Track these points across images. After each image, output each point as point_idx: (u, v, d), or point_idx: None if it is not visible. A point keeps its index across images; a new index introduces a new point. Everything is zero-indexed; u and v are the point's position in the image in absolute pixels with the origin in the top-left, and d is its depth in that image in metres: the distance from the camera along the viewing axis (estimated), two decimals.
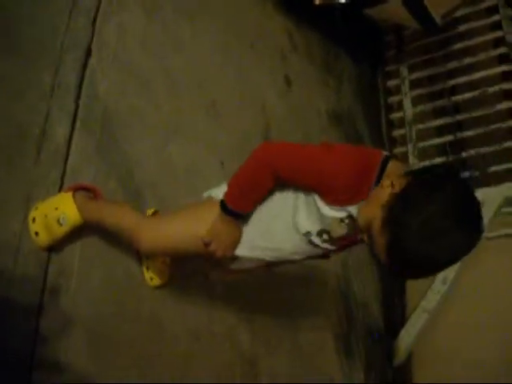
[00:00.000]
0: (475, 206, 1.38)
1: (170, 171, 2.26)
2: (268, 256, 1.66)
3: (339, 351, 3.10)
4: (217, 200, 1.59)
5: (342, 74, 3.96)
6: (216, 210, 1.58)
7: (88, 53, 2.05)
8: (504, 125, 3.91)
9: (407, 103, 4.34)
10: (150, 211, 2.00)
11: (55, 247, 1.75)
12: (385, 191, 1.40)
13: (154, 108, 2.27)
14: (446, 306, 3.66)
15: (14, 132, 1.72)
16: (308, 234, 1.55)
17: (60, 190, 1.81)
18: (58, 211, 1.70)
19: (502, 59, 4.09)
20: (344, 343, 3.17)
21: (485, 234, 3.47)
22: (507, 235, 3.70)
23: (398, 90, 4.44)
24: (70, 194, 1.74)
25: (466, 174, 3.82)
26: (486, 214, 3.68)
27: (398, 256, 1.38)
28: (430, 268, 1.42)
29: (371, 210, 1.42)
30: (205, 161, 2.45)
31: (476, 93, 4.08)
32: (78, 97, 1.98)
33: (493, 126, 3.92)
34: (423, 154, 4.13)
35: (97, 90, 2.04)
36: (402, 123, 4.35)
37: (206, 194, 1.69)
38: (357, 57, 4.19)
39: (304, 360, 2.78)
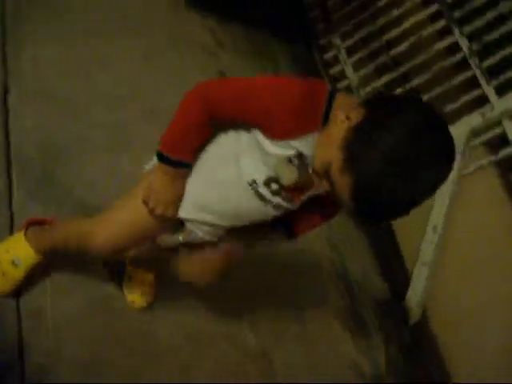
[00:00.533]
0: (441, 131, 1.24)
1: (128, 184, 2.17)
2: (217, 219, 1.50)
3: (352, 331, 3.01)
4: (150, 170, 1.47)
5: (277, 58, 3.92)
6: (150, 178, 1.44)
7: (5, 90, 1.96)
8: (446, 62, 3.90)
9: (349, 71, 4.31)
10: None
11: (22, 289, 1.65)
12: (340, 127, 1.24)
13: (92, 128, 2.20)
14: (443, 253, 3.60)
15: None
16: (254, 183, 1.39)
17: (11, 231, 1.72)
18: (10, 253, 1.61)
19: (425, 2, 4.10)
20: (355, 321, 3.09)
21: (460, 172, 3.52)
22: (481, 167, 3.66)
23: (336, 60, 4.41)
24: (20, 233, 1.65)
25: None
26: (457, 151, 3.64)
27: (364, 196, 1.22)
28: (400, 204, 1.24)
29: (327, 150, 1.26)
30: None
31: (412, 40, 4.06)
32: (7, 137, 1.88)
33: (435, 67, 3.90)
34: None
35: (24, 125, 1.96)
36: (349, 91, 4.31)
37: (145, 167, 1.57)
38: (287, 38, 4.15)
39: (318, 346, 2.69)
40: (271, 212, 1.47)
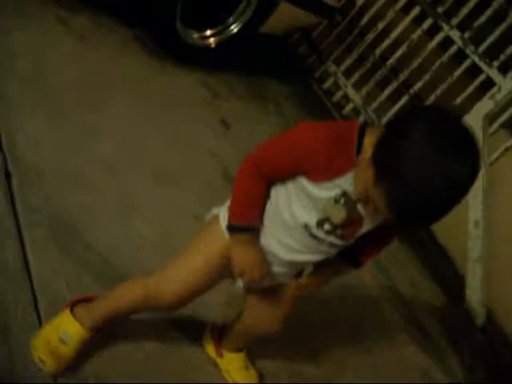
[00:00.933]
0: (455, 124, 1.26)
1: (146, 246, 2.16)
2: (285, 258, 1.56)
3: (418, 342, 2.89)
4: (213, 218, 1.58)
5: (277, 97, 3.93)
6: (214, 227, 1.56)
7: (7, 174, 1.98)
8: (444, 58, 3.88)
9: (351, 93, 4.30)
10: None
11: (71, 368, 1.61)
12: (368, 149, 1.32)
13: (101, 196, 2.19)
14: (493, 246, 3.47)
15: None
16: (307, 226, 1.47)
17: (37, 309, 1.69)
18: (58, 331, 1.58)
19: (406, 7, 4.13)
20: (418, 332, 2.96)
21: (487, 161, 3.42)
22: (506, 149, 3.57)
23: (336, 86, 4.41)
24: (67, 311, 1.62)
25: None
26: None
27: (399, 203, 1.26)
28: (436, 202, 1.25)
29: (362, 175, 1.33)
30: (176, 222, 2.34)
31: (404, 47, 4.06)
32: (17, 220, 1.88)
33: (435, 66, 3.89)
34: None
35: (31, 205, 1.95)
36: (356, 112, 4.29)
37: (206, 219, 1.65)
38: (283, 77, 4.18)
39: (385, 364, 2.58)
40: (327, 250, 1.53)
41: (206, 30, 3.40)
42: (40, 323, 1.66)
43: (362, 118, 4.21)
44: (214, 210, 1.61)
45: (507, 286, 3.41)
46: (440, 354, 2.92)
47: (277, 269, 1.59)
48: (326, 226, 1.45)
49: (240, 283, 1.62)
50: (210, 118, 3.16)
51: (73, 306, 1.64)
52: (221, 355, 1.92)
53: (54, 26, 2.83)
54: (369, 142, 1.33)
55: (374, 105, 4.17)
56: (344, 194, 1.39)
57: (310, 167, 1.39)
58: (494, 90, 3.58)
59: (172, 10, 3.10)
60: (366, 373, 2.43)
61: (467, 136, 1.25)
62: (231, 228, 1.51)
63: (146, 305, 1.60)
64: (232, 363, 1.92)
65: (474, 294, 3.40)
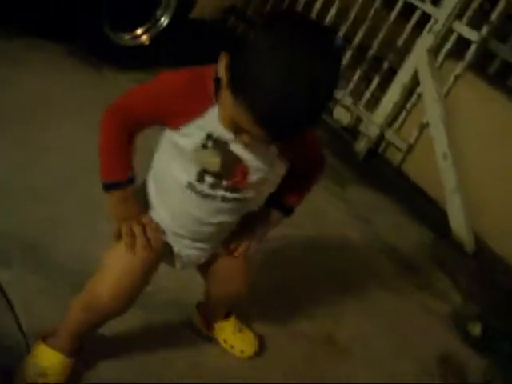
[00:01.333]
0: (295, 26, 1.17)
1: None
2: (190, 233, 1.47)
3: (414, 282, 2.90)
4: None
5: None
6: None
7: None
8: (376, 5, 3.90)
9: None
10: None
11: None
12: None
13: (60, 206, 2.18)
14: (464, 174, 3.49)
15: None
16: (190, 185, 1.38)
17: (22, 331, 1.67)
18: (39, 365, 1.51)
19: None
20: (412, 272, 2.97)
21: (440, 93, 3.44)
22: (457, 78, 3.59)
23: None
24: (40, 344, 1.56)
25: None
26: (426, 78, 3.59)
27: (262, 111, 1.15)
28: (295, 99, 1.14)
29: (223, 105, 1.24)
30: None
31: (337, 3, 4.08)
32: None
33: (370, 16, 3.91)
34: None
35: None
36: None
37: None
38: None
39: (384, 310, 2.58)
40: (226, 207, 1.43)
41: (136, 29, 3.38)
42: (26, 345, 1.63)
43: None
44: None
45: (493, 211, 3.43)
46: (436, 287, 2.93)
47: (188, 251, 1.52)
48: (208, 179, 1.36)
49: (177, 266, 1.55)
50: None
51: (46, 337, 1.57)
52: (212, 329, 1.90)
53: None
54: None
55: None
56: (209, 136, 1.30)
57: (169, 112, 1.31)
58: (431, 22, 3.61)
59: (98, 18, 3.09)
60: (363, 320, 2.43)
61: (314, 31, 1.16)
62: (105, 187, 1.40)
63: (91, 316, 1.50)
64: (225, 330, 1.90)
65: (458, 223, 3.42)
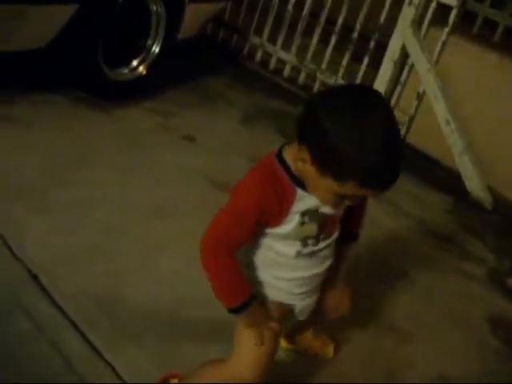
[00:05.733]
0: (357, 93, 1.31)
1: (181, 280, 2.28)
2: (307, 286, 1.60)
3: (441, 247, 3.05)
4: None
5: (220, 90, 4.03)
6: None
7: (34, 277, 2.08)
8: None
9: (283, 55, 4.42)
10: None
11: None
12: (305, 167, 1.34)
13: (119, 256, 2.30)
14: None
15: None
16: (298, 253, 1.50)
17: None
18: None
19: None
20: (437, 238, 3.12)
21: (432, 61, 3.55)
22: (443, 43, 3.71)
23: (267, 55, 4.52)
24: None
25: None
26: (414, 50, 3.71)
27: (370, 179, 1.29)
28: (384, 158, 1.27)
29: (326, 191, 1.36)
30: (194, 248, 2.45)
31: None
32: (62, 311, 1.99)
33: None
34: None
35: (68, 292, 2.06)
36: (297, 71, 4.41)
37: None
38: (215, 69, 4.28)
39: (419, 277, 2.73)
40: (326, 252, 1.56)
41: (131, 62, 3.49)
42: None
43: (302, 75, 4.34)
44: None
45: (503, 163, 3.58)
46: (468, 250, 3.09)
47: (308, 300, 1.63)
48: (310, 241, 1.49)
49: (301, 317, 1.67)
50: (173, 139, 3.26)
51: None
52: (293, 342, 2.06)
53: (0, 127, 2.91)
54: (291, 158, 1.38)
55: (309, 56, 4.29)
56: (303, 213, 1.42)
57: (265, 221, 1.42)
58: None
59: (96, 62, 3.18)
60: (411, 298, 2.58)
61: (367, 92, 1.31)
62: (234, 311, 1.50)
63: None
64: (305, 340, 2.06)
65: (472, 183, 3.57)
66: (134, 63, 3.49)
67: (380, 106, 1.29)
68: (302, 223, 1.43)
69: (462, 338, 2.45)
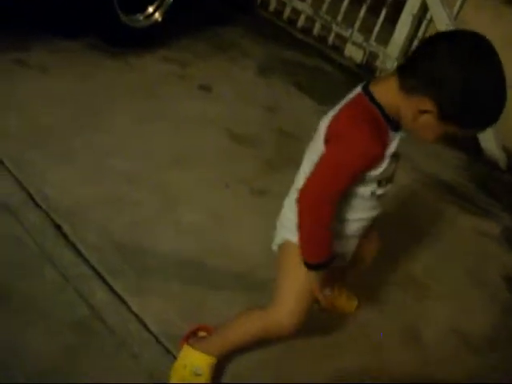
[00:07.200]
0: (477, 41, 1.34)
1: (200, 231, 2.29)
2: (361, 230, 1.64)
3: (458, 204, 3.06)
4: (291, 241, 1.57)
5: (235, 40, 3.96)
6: (294, 250, 1.54)
7: (58, 228, 2.08)
8: None
9: (298, 4, 4.33)
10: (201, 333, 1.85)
11: None
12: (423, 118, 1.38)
13: (140, 206, 2.31)
14: None
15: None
16: (372, 193, 1.53)
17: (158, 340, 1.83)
18: (188, 367, 1.68)
19: None
20: (453, 195, 3.12)
21: (452, 17, 3.49)
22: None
23: (282, 4, 4.43)
24: (186, 347, 1.71)
25: None
26: (435, 4, 3.64)
27: (479, 119, 1.37)
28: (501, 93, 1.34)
29: (433, 131, 1.40)
30: (213, 198, 2.50)
31: None
32: (86, 260, 2.00)
33: None
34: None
35: (90, 241, 2.07)
36: (311, 21, 4.33)
37: (278, 243, 1.65)
38: (230, 19, 4.20)
39: (442, 236, 2.74)
40: (383, 200, 1.60)
41: (147, 8, 3.41)
42: (167, 351, 1.80)
43: (317, 26, 4.26)
44: (278, 236, 1.64)
45: None
46: (483, 208, 3.12)
47: (355, 242, 1.66)
48: (384, 182, 1.53)
49: (346, 260, 1.70)
50: (189, 89, 3.22)
51: (188, 341, 1.73)
52: None
53: (14, 70, 2.85)
54: (384, 96, 1.40)
55: (325, 7, 4.21)
56: (392, 155, 1.45)
57: (372, 166, 1.43)
58: None
59: (112, 8, 3.11)
60: (431, 254, 2.61)
61: (482, 41, 1.33)
62: (315, 267, 1.51)
63: (267, 336, 1.67)
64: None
65: (487, 142, 3.55)
66: (150, 10, 3.42)
67: (495, 53, 1.32)
68: (390, 163, 1.46)
69: (477, 295, 2.49)
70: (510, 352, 2.27)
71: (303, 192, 1.45)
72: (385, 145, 1.42)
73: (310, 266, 1.51)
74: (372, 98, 1.41)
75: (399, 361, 2.07)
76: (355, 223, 1.58)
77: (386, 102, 1.41)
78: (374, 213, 1.60)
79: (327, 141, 1.45)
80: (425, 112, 1.35)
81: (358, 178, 1.46)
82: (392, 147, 1.44)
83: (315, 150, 1.49)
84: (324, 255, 1.50)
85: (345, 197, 1.50)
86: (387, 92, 1.40)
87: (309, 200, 1.45)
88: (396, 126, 1.44)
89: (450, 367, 2.12)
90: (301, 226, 1.47)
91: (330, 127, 1.44)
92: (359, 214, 1.57)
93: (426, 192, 3.08)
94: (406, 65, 1.40)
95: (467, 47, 1.31)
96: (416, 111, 1.36)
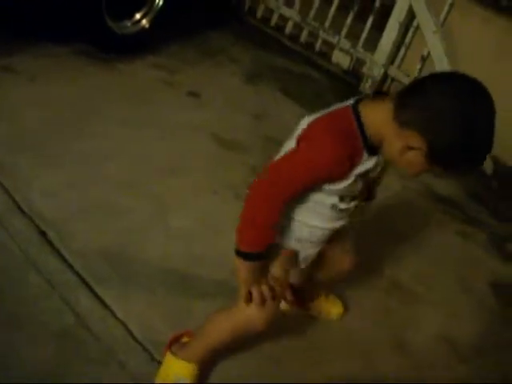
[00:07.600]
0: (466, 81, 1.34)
1: (188, 236, 2.29)
2: (322, 238, 1.63)
3: (452, 215, 3.07)
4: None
5: (224, 46, 3.96)
6: None
7: (43, 234, 2.07)
8: None
9: (285, 11, 4.32)
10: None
11: None
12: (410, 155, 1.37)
13: (130, 213, 2.30)
14: None
15: None
16: (333, 205, 1.52)
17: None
18: (171, 376, 1.68)
19: None
20: (450, 206, 3.13)
21: (438, 24, 3.49)
22: (451, 5, 3.65)
23: (269, 11, 4.43)
24: (168, 354, 1.71)
25: None
26: (422, 12, 3.66)
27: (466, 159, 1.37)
28: (480, 142, 1.35)
29: (417, 167, 1.40)
30: (201, 203, 2.50)
31: None
32: (71, 267, 1.98)
33: None
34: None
35: (74, 248, 2.05)
36: (299, 29, 4.33)
37: None
38: (218, 25, 4.19)
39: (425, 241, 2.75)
40: (348, 213, 1.59)
41: (134, 15, 3.41)
42: (152, 358, 1.79)
43: (305, 33, 4.26)
44: None
45: (506, 130, 3.55)
46: (469, 214, 3.12)
47: (314, 250, 1.64)
48: (347, 198, 1.52)
49: (302, 265, 1.67)
50: (178, 95, 3.21)
51: (169, 349, 1.72)
52: (305, 306, 2.09)
53: (1, 77, 2.84)
54: (369, 117, 1.39)
55: (312, 14, 4.21)
56: (359, 175, 1.44)
57: (333, 178, 1.43)
58: None
59: (99, 14, 3.10)
60: (418, 260, 2.61)
61: (478, 85, 1.33)
62: (247, 256, 1.48)
63: (242, 334, 1.64)
64: (319, 302, 2.10)
65: None
66: (137, 16, 3.41)
67: (488, 95, 1.33)
68: (354, 182, 1.45)
69: (465, 301, 2.49)
70: (497, 358, 2.26)
71: (260, 177, 1.46)
72: (353, 164, 1.40)
73: (239, 253, 1.47)
74: (358, 117, 1.40)
75: (387, 367, 2.06)
76: (312, 229, 1.57)
77: (372, 126, 1.39)
78: (335, 224, 1.58)
79: (299, 140, 1.44)
80: (413, 148, 1.34)
81: (316, 186, 1.46)
82: (361, 168, 1.43)
83: (288, 146, 1.49)
84: (257, 245, 1.47)
85: (302, 198, 1.50)
86: (376, 117, 1.39)
87: (263, 187, 1.44)
88: (372, 151, 1.42)
89: (437, 373, 2.11)
90: (244, 210, 1.45)
91: (306, 129, 1.44)
92: (317, 221, 1.55)
93: (414, 198, 3.08)
94: (405, 96, 1.36)
95: (466, 91, 1.32)
96: (405, 145, 1.35)
